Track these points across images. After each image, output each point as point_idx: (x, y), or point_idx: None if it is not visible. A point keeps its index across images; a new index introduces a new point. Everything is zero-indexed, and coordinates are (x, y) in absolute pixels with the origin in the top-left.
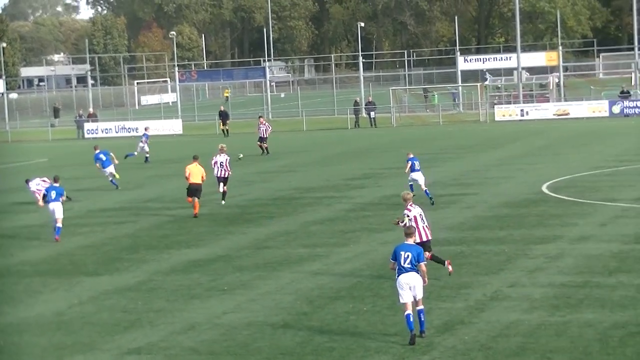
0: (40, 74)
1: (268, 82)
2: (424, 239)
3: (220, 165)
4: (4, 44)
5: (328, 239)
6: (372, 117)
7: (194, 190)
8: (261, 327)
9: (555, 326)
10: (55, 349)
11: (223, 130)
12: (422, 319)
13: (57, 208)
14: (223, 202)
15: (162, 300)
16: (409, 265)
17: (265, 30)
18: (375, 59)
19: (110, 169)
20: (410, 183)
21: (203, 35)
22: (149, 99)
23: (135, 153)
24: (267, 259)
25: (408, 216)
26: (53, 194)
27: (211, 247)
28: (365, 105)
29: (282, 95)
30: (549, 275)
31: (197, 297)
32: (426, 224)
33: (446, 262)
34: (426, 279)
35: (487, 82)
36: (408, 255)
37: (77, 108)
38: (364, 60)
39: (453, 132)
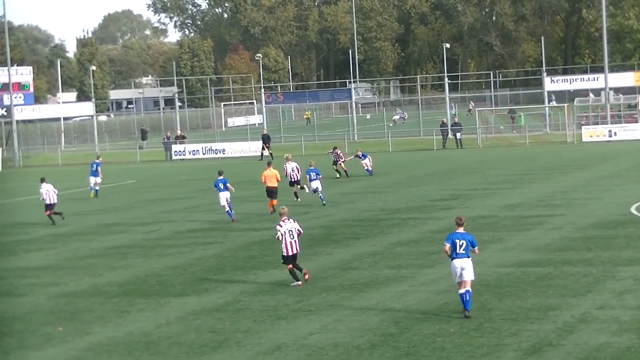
0: (129, 96)
1: (354, 103)
2: (291, 252)
3: (292, 170)
4: (94, 67)
5: (414, 260)
6: (458, 138)
7: (270, 192)
8: (347, 348)
9: None
10: None
11: (269, 153)
12: (468, 299)
13: None
14: (297, 200)
15: (249, 320)
16: (464, 252)
17: (350, 51)
18: (460, 79)
19: (225, 195)
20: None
21: (289, 57)
22: (235, 121)
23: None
24: (353, 279)
25: (279, 230)
26: None
27: None
28: (452, 126)
29: (368, 116)
30: (639, 297)
31: (283, 317)
32: (296, 239)
33: (303, 270)
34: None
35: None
36: (463, 243)
37: (165, 130)
38: (449, 81)
39: (540, 153)
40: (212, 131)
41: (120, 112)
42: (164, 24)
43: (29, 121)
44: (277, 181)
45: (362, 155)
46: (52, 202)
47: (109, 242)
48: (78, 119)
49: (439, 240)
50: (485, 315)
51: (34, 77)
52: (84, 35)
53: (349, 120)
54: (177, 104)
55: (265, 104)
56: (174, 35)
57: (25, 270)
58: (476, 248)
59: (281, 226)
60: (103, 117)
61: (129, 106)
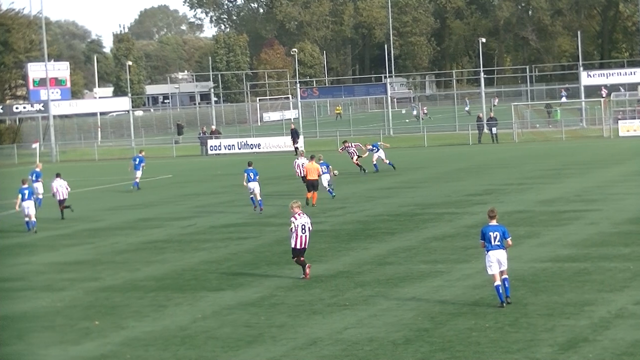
0: (165, 91)
1: (389, 98)
2: (300, 246)
3: (302, 165)
4: (130, 63)
5: (449, 255)
6: (493, 132)
7: (310, 185)
8: (382, 343)
9: None
10: None
11: (294, 148)
12: (507, 285)
13: (30, 206)
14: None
15: (284, 315)
16: (498, 243)
17: (386, 46)
18: (496, 74)
19: (254, 185)
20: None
21: (324, 52)
22: (270, 116)
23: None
24: (389, 274)
25: (294, 223)
26: (26, 194)
27: (332, 263)
28: (487, 121)
29: (403, 111)
30: None
31: (318, 312)
32: (307, 234)
33: (306, 266)
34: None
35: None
36: (497, 235)
37: (201, 125)
38: (485, 75)
39: (576, 148)
40: (248, 126)
41: (156, 107)
42: (199, 19)
43: (66, 116)
44: (319, 175)
45: (373, 145)
46: (63, 198)
47: (146, 237)
48: (114, 114)
49: (474, 235)
50: (521, 310)
51: (70, 73)
52: (121, 31)
53: (385, 115)
54: (213, 99)
55: (301, 98)
56: (209, 31)
57: (65, 264)
58: (509, 239)
59: (296, 219)
60: (139, 112)
61: (165, 101)
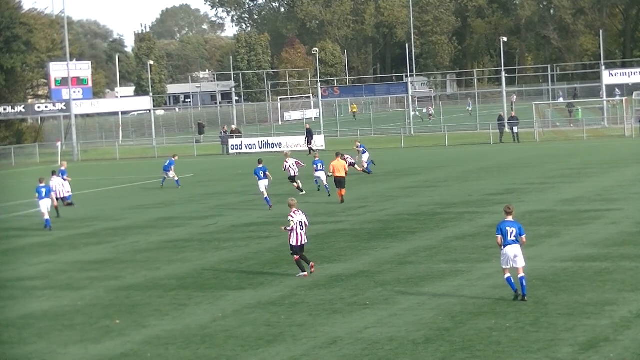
0: (186, 90)
1: (410, 97)
2: (301, 242)
3: (292, 166)
4: (152, 62)
5: (470, 255)
6: (515, 132)
7: (338, 182)
8: (402, 342)
9: None
10: None
11: (308, 147)
12: (524, 284)
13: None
14: (303, 192)
15: (304, 314)
16: (514, 239)
17: (407, 45)
18: (518, 73)
19: (264, 182)
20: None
21: (345, 51)
22: (292, 115)
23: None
24: (409, 274)
25: (292, 221)
26: (44, 192)
27: (353, 262)
28: (508, 120)
29: (425, 110)
30: None
31: (339, 311)
32: (304, 230)
33: (310, 264)
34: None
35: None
36: (513, 231)
37: (222, 124)
38: (506, 75)
39: (597, 147)
40: (269, 125)
41: (177, 106)
42: (221, 18)
43: (88, 115)
44: (346, 172)
45: (361, 146)
46: (62, 196)
47: (167, 236)
48: (136, 113)
49: (494, 235)
50: (541, 310)
51: (92, 72)
52: (142, 30)
53: (406, 114)
54: (234, 98)
55: (322, 98)
56: (231, 30)
57: (86, 263)
58: (524, 237)
59: (293, 217)
60: (160, 112)
61: (186, 100)
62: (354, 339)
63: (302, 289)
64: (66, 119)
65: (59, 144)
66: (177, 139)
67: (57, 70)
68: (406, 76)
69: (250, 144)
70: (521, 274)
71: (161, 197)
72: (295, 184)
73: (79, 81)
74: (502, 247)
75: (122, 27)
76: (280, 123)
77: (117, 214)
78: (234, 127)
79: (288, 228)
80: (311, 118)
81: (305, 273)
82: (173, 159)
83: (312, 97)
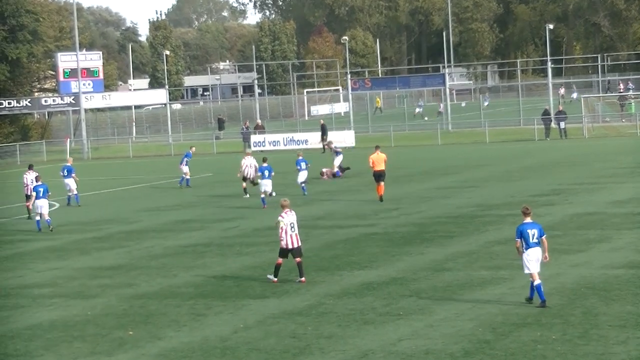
0: (205, 83)
1: (448, 90)
2: (293, 245)
3: (249, 166)
4: (167, 52)
5: (512, 261)
6: (562, 127)
7: (378, 176)
8: (440, 355)
9: None
10: None
11: (322, 145)
12: (542, 290)
13: (44, 205)
14: (247, 195)
15: (333, 325)
16: (536, 241)
17: (444, 33)
18: (565, 64)
19: (267, 182)
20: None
21: (377, 39)
22: (319, 109)
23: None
24: (447, 281)
25: (282, 221)
26: (41, 192)
27: (385, 269)
28: (555, 114)
29: (463, 104)
30: None
31: (370, 322)
32: (296, 232)
33: (302, 278)
34: (547, 254)
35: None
36: (534, 232)
37: (243, 119)
38: (552, 65)
39: None
40: (294, 120)
41: (195, 99)
42: (242, 4)
43: (99, 110)
44: (385, 164)
45: (335, 147)
46: (31, 194)
47: (185, 240)
48: (150, 107)
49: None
50: (591, 321)
51: (103, 63)
52: (157, 18)
53: (443, 108)
54: (257, 91)
55: (352, 90)
56: (253, 17)
57: (97, 270)
58: (544, 237)
59: (284, 217)
60: (177, 106)
61: (205, 93)
62: (386, 352)
63: (331, 298)
64: (75, 114)
65: (67, 140)
66: (195, 135)
67: (65, 61)
68: (443, 67)
69: (273, 141)
70: (539, 280)
71: (178, 198)
72: (244, 184)
73: (89, 73)
74: (524, 251)
75: (135, 14)
76: (306, 118)
77: (131, 217)
78: (259, 121)
79: (280, 227)
80: (340, 113)
81: (276, 280)
82: (190, 151)
83: (341, 89)
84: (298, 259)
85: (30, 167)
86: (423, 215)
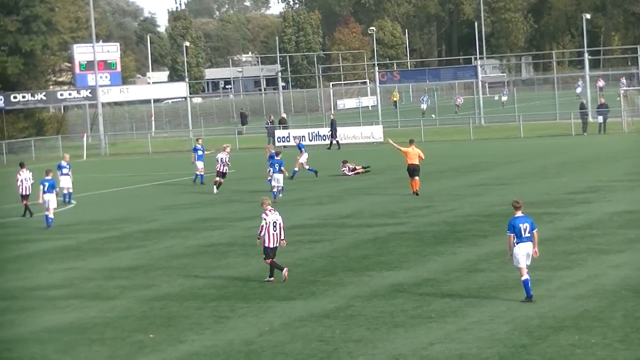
0: (227, 75)
1: (480, 82)
2: (271, 245)
3: (221, 160)
4: (188, 43)
5: (549, 261)
6: (602, 121)
7: (412, 171)
8: None
9: None
10: None
11: (333, 142)
12: (529, 286)
13: (52, 199)
14: (216, 191)
15: (362, 328)
16: (528, 235)
17: (476, 24)
18: (603, 55)
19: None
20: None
21: (406, 30)
22: (345, 103)
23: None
24: (480, 283)
25: (265, 219)
26: (46, 186)
27: (417, 270)
28: (597, 107)
29: (496, 97)
30: None
31: (400, 325)
32: (277, 232)
33: (284, 270)
34: (537, 248)
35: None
36: (526, 227)
37: (267, 113)
38: (590, 57)
39: None
40: (320, 114)
41: (217, 93)
42: None
43: (116, 104)
44: (420, 159)
45: (299, 144)
46: (27, 194)
47: (206, 240)
48: (170, 101)
49: (577, 239)
50: (632, 325)
51: (121, 55)
52: (177, 8)
53: (475, 101)
54: (281, 84)
55: (380, 83)
56: (276, 7)
57: (115, 270)
58: (535, 231)
59: (267, 215)
60: (198, 99)
61: (227, 87)
62: (418, 357)
63: (359, 300)
64: (92, 108)
65: (84, 136)
66: (216, 130)
67: (81, 53)
68: (475, 59)
69: (298, 136)
70: (526, 277)
71: (198, 195)
72: (218, 178)
73: (107, 65)
74: (515, 244)
75: (154, 4)
76: (332, 112)
77: (150, 215)
78: (284, 115)
79: (261, 226)
80: (368, 106)
81: (272, 279)
82: (198, 145)
83: (368, 82)
84: (270, 260)
85: (22, 166)
86: (455, 214)
